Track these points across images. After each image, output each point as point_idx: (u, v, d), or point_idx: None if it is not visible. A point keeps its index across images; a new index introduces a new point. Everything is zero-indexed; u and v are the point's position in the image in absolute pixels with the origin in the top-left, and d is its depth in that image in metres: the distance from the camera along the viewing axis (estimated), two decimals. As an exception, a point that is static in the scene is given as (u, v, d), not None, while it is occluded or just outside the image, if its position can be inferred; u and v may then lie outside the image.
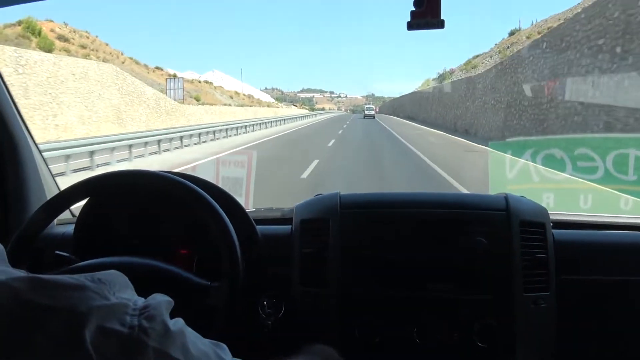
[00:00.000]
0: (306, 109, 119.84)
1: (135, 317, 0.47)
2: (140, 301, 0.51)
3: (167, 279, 1.11)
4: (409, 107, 54.30)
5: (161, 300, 0.53)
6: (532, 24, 47.24)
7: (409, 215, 1.39)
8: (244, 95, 72.90)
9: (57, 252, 1.20)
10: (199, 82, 56.09)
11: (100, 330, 0.45)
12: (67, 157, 9.48)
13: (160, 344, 0.47)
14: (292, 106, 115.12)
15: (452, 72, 53.82)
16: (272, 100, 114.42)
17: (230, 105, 47.94)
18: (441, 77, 51.38)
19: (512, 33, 49.99)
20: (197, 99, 41.01)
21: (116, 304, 0.48)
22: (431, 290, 1.34)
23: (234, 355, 0.59)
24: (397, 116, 58.73)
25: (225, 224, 1.11)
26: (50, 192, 1.59)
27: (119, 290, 0.50)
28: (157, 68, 47.18)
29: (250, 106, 56.57)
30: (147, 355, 0.46)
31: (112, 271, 0.54)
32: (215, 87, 59.69)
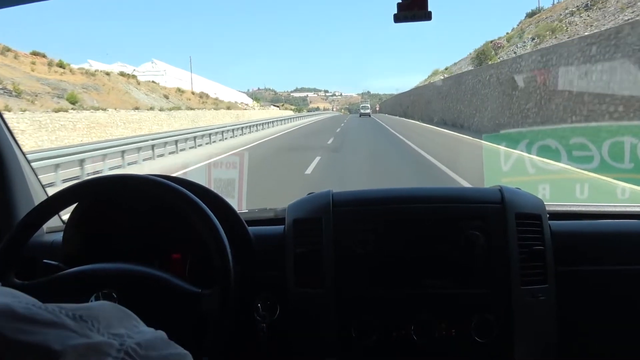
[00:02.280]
0: (292, 109, 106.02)
1: None
2: (132, 340, 0.45)
3: (157, 286, 1.09)
4: (438, 104, 33.92)
5: (156, 341, 0.46)
6: (553, 4, 37.57)
7: (403, 211, 1.37)
8: (193, 92, 54.67)
9: (45, 260, 1.18)
10: (107, 74, 36.14)
11: None
12: (57, 167, 9.28)
13: None
14: (273, 107, 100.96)
15: (498, 46, 37.00)
16: (250, 100, 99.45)
17: (150, 109, 33.27)
18: (480, 56, 35.33)
19: (531, 14, 40.40)
20: (72, 101, 25.64)
21: (98, 343, 0.42)
22: (428, 287, 1.32)
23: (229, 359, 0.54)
24: (419, 120, 36.59)
25: (216, 228, 1.09)
26: (39, 200, 1.57)
27: (106, 326, 0.45)
28: (36, 54, 29.74)
29: (191, 109, 40.85)
30: None
31: (101, 303, 0.49)
32: (138, 82, 40.76)
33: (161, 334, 0.48)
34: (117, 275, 1.10)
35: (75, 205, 1.32)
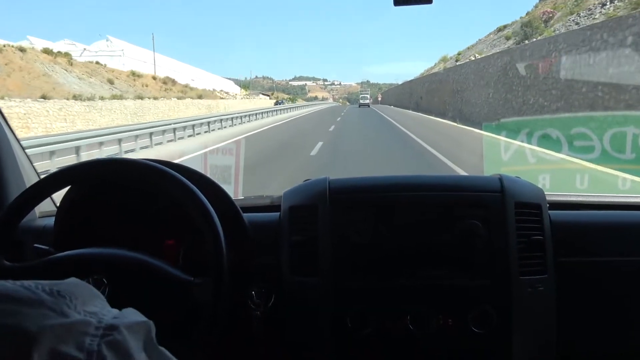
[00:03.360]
0: (285, 98, 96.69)
1: (97, 339, 0.40)
2: (108, 317, 0.42)
3: (148, 273, 1.07)
4: (480, 93, 23.57)
5: (132, 322, 0.44)
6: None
7: (400, 199, 1.35)
8: (155, 77, 44.10)
9: (35, 245, 1.16)
10: (21, 50, 27.40)
11: (53, 354, 0.38)
12: (52, 154, 9.14)
13: None
14: (262, 96, 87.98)
15: (549, 17, 30.34)
16: (237, 89, 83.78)
17: (75, 97, 24.68)
18: (526, 29, 29.36)
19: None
20: None
21: (75, 322, 0.41)
22: (425, 277, 1.30)
23: (223, 348, 0.53)
24: (449, 119, 24.68)
25: (210, 215, 1.07)
26: (30, 183, 1.54)
27: (82, 303, 0.43)
28: None
29: (142, 98, 31.99)
30: None
31: (74, 281, 0.47)
32: (71, 63, 31.97)
33: (129, 309, 0.47)
34: (108, 261, 1.08)
35: (67, 189, 1.30)
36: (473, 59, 33.13)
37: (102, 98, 27.21)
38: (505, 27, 44.27)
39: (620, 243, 1.40)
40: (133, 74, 40.42)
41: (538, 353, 1.33)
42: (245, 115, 26.01)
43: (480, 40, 50.10)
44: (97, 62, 38.40)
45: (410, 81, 57.18)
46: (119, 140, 12.21)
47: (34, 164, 1.63)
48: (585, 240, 1.40)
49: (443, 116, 26.86)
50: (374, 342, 1.31)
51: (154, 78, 44.45)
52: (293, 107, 48.50)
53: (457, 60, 45.91)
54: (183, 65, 70.89)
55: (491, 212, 1.30)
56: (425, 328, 1.28)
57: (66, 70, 30.18)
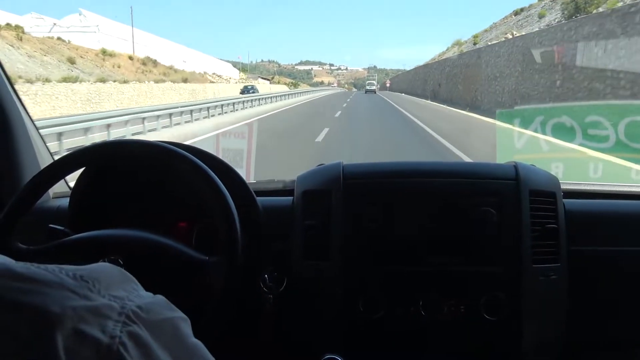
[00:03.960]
0: (287, 83, 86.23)
1: (120, 324, 0.40)
2: (133, 303, 0.42)
3: (162, 253, 1.08)
4: (529, 78, 18.67)
5: (157, 319, 0.44)
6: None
7: (414, 185, 1.34)
8: (131, 57, 38.02)
9: (50, 225, 1.17)
10: None
11: (77, 334, 0.38)
12: (60, 135, 9.04)
13: None
14: (261, 80, 74.24)
15: None
16: (235, 72, 74.31)
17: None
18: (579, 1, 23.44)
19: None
20: None
21: (99, 305, 0.41)
22: (437, 264, 1.30)
23: (236, 331, 0.53)
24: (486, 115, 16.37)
25: (223, 196, 1.07)
26: (45, 164, 1.56)
27: (107, 287, 0.43)
28: None
29: (104, 81, 26.44)
30: None
31: (102, 265, 0.47)
32: (20, 38, 26.99)
33: (160, 297, 0.47)
34: (123, 242, 1.09)
35: (81, 170, 1.31)
36: (504, 38, 26.62)
37: (46, 80, 21.97)
38: (522, 10, 40.73)
39: (633, 233, 1.39)
40: (104, 52, 34.51)
41: (548, 341, 1.33)
42: (229, 104, 21.45)
43: (495, 23, 45.69)
44: (59, 38, 33.16)
45: (425, 65, 49.09)
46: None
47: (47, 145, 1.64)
48: (599, 230, 1.39)
49: (476, 110, 20.11)
50: (385, 326, 1.31)
51: (131, 58, 38.44)
52: (284, 95, 37.49)
53: (475, 44, 41.23)
54: (174, 45, 60.61)
55: (506, 199, 1.29)
56: (436, 314, 1.28)
57: (12, 46, 25.51)
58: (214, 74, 60.31)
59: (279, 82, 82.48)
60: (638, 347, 1.48)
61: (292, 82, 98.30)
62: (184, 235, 1.27)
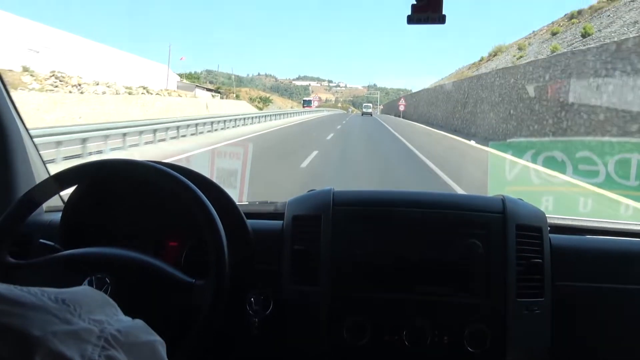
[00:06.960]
0: (254, 99, 61.75)
1: (98, 348, 0.41)
2: (112, 327, 0.44)
3: (150, 273, 1.08)
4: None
5: (135, 328, 0.45)
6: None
7: (403, 214, 1.36)
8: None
9: (41, 240, 1.17)
10: None
11: (56, 358, 0.39)
12: (58, 144, 9.08)
13: None
14: (199, 92, 37.50)
15: None
16: (207, 90, 47.19)
17: None
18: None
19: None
20: None
21: (78, 329, 0.42)
22: (423, 293, 1.31)
23: (220, 353, 0.55)
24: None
25: (213, 220, 1.08)
26: (40, 178, 1.56)
27: (87, 311, 0.44)
28: None
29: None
30: None
31: (83, 289, 0.49)
32: None
33: (139, 322, 0.48)
34: (112, 260, 1.10)
35: (75, 186, 1.32)
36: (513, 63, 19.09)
37: None
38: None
39: (618, 271, 1.40)
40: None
41: None
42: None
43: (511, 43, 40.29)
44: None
45: (452, 82, 33.40)
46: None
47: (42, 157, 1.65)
48: (585, 266, 1.41)
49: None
50: (369, 353, 1.31)
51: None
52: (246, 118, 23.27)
53: (478, 69, 37.94)
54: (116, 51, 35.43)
55: (492, 232, 1.31)
56: (420, 343, 1.29)
57: None
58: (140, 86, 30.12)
59: (237, 97, 54.89)
60: None
61: (260, 99, 65.61)
62: (173, 255, 1.28)
